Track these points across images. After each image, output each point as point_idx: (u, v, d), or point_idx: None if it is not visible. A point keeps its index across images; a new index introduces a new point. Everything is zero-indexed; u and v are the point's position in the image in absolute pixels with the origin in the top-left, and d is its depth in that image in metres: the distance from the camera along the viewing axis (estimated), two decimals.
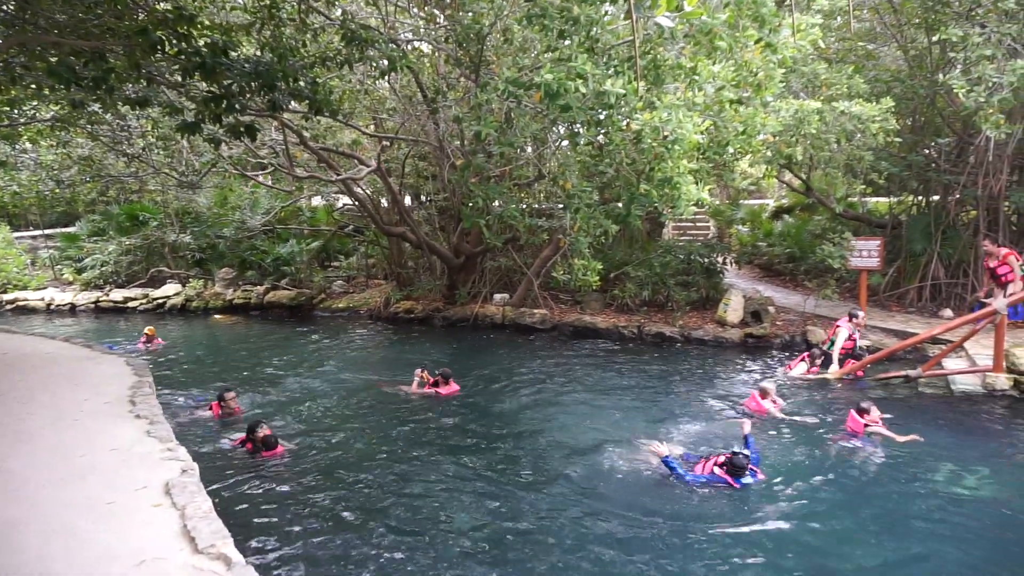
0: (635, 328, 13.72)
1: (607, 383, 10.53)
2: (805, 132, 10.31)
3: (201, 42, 6.28)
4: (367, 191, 16.63)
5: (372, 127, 15.00)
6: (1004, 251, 10.58)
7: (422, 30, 11.93)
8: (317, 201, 20.74)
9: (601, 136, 7.67)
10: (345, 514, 6.15)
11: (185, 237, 19.53)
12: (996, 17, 10.02)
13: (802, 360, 10.60)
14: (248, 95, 6.71)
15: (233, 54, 6.32)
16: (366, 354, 13.29)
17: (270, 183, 17.65)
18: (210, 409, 9.01)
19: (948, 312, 12.75)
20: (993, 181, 12.17)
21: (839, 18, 12.16)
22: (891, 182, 14.34)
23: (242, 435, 7.71)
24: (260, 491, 6.63)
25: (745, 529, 5.89)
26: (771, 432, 8.21)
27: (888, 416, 8.09)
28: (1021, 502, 6.37)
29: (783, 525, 5.93)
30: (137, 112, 11.83)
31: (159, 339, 13.61)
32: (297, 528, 5.87)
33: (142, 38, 5.63)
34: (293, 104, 8.00)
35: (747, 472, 6.55)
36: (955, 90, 10.06)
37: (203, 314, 18.02)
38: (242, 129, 6.83)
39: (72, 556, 4.04)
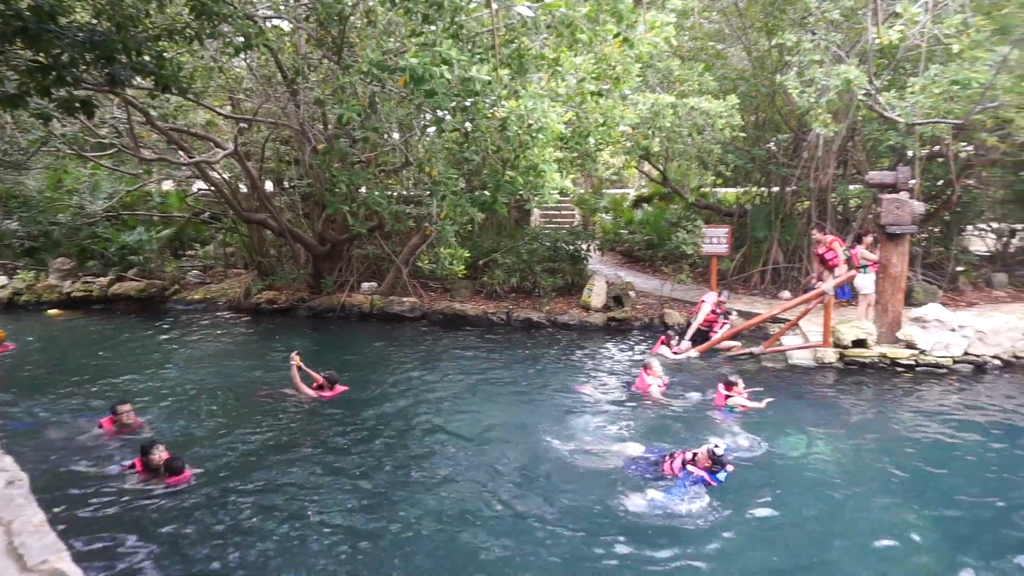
0: (504, 314, 13.94)
1: (481, 371, 10.64)
2: (660, 125, 10.88)
3: (24, 3, 5.63)
4: (224, 175, 15.68)
5: (228, 108, 14.13)
6: (830, 238, 11.72)
7: (281, 7, 11.37)
8: (168, 185, 19.29)
9: (468, 123, 7.68)
10: (218, 528, 5.83)
11: (11, 223, 17.52)
12: (824, 26, 11.02)
13: (662, 343, 11.24)
14: (83, 67, 6.09)
15: (63, 20, 5.72)
16: (230, 349, 12.56)
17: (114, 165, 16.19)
18: (100, 427, 7.81)
19: (786, 294, 13.96)
20: (822, 175, 13.42)
21: (692, 18, 12.89)
22: (737, 174, 15.47)
23: (135, 459, 6.78)
24: (129, 509, 6.10)
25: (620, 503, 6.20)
26: (650, 409, 8.79)
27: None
28: (848, 458, 7.16)
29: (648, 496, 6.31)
30: None
31: (8, 344, 11.90)
32: (163, 545, 5.50)
33: None
34: (137, 79, 7.36)
35: (724, 467, 6.40)
36: (790, 90, 11.00)
37: (35, 309, 16.25)
38: (77, 105, 6.20)
39: None
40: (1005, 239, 14.70)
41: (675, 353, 10.98)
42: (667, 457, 6.75)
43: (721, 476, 6.38)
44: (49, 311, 15.99)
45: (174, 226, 18.61)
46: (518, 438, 7.83)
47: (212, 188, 15.34)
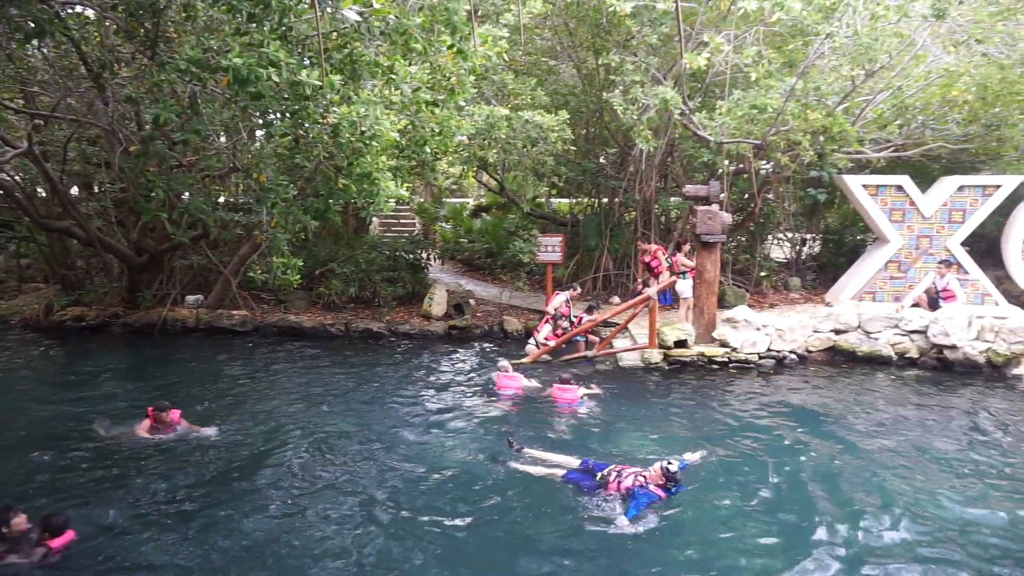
0: (342, 326, 13.56)
1: (321, 385, 10.27)
2: (496, 136, 11.14)
3: None
4: (16, 177, 13.92)
5: (20, 102, 12.55)
6: (653, 247, 12.61)
7: None
8: None
9: (300, 129, 7.40)
10: None
11: None
12: (644, 49, 11.85)
13: (546, 323, 11.55)
14: None
15: None
16: (34, 375, 11.11)
17: None
18: None
19: (616, 299, 14.78)
20: (646, 187, 14.40)
21: (523, 34, 13.32)
22: (570, 185, 16.18)
23: None
24: None
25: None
26: (514, 406, 9.10)
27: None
28: (677, 450, 7.69)
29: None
30: None
31: None
32: None
33: None
34: None
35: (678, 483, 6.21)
36: (616, 107, 11.69)
37: None
38: None
39: None
40: (798, 247, 16.67)
41: (557, 335, 11.31)
42: (614, 469, 6.50)
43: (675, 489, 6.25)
44: None
45: None
46: (370, 450, 7.66)
47: (0, 192, 13.57)
